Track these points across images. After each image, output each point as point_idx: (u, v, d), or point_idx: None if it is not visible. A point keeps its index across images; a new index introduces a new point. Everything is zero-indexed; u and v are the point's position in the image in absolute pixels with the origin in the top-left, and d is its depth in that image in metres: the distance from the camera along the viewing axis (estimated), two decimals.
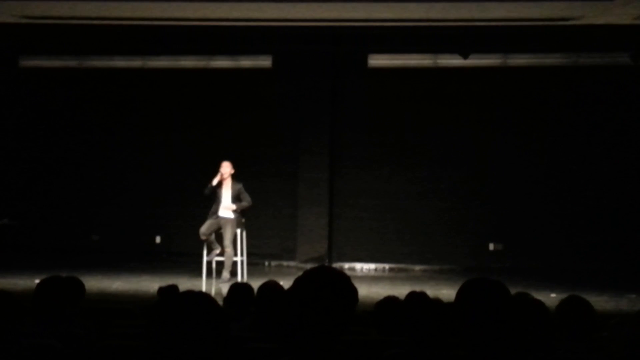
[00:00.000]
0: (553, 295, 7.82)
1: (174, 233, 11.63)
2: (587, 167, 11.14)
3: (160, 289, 4.73)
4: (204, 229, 9.32)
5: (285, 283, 4.39)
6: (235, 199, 9.37)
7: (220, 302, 4.75)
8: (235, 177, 9.45)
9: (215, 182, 9.31)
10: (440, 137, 11.45)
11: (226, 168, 9.36)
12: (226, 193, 9.38)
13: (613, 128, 11.14)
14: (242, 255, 9.53)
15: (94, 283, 8.21)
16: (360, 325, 4.70)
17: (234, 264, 9.38)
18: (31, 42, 10.56)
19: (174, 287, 4.66)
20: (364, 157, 11.61)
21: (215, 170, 9.39)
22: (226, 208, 9.32)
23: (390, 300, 4.35)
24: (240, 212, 9.43)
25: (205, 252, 9.46)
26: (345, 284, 2.06)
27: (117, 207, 11.82)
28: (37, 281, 4.11)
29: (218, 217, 9.35)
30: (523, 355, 2.73)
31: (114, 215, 11.80)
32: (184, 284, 8.47)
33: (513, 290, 2.57)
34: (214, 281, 9.37)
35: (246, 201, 9.39)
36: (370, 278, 10.59)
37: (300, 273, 2.12)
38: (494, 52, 11.04)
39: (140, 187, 11.80)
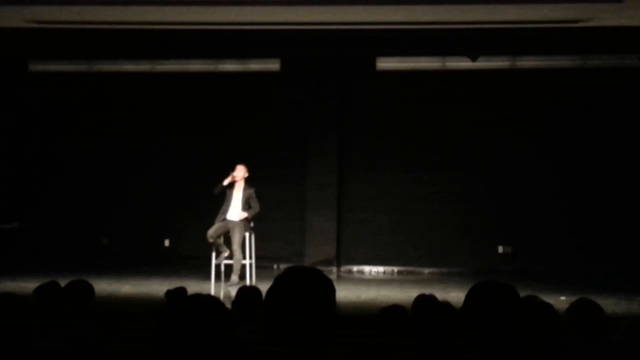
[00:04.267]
0: (563, 298, 7.78)
1: (182, 236, 11.65)
2: (597, 170, 11.09)
3: (168, 292, 4.73)
4: (211, 231, 9.33)
5: None
6: (245, 202, 9.38)
7: (229, 305, 4.75)
8: (248, 182, 9.47)
9: (225, 182, 9.34)
10: (448, 140, 11.43)
11: (239, 171, 9.40)
12: (237, 196, 9.41)
13: (623, 130, 11.09)
14: (250, 258, 9.53)
15: (104, 286, 8.22)
16: (370, 328, 4.69)
17: (243, 267, 9.38)
18: (40, 46, 10.61)
19: (181, 290, 4.66)
20: (372, 160, 11.60)
21: (227, 173, 9.42)
22: (237, 216, 9.33)
23: (395, 308, 4.35)
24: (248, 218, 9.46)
25: (213, 255, 9.48)
26: (319, 279, 2.04)
27: (126, 211, 11.85)
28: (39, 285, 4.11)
29: (226, 219, 9.37)
30: (533, 358, 2.72)
31: (123, 219, 11.83)
32: (193, 287, 8.47)
33: (522, 294, 2.56)
34: (222, 284, 9.38)
35: (254, 208, 9.40)
36: (379, 281, 10.58)
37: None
38: (503, 55, 11.01)
39: (148, 191, 11.83)
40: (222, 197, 9.43)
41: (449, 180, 11.41)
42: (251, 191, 9.41)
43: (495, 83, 11.33)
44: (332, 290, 2.05)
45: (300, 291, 2.00)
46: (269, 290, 2.05)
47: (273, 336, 1.99)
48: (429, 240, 11.41)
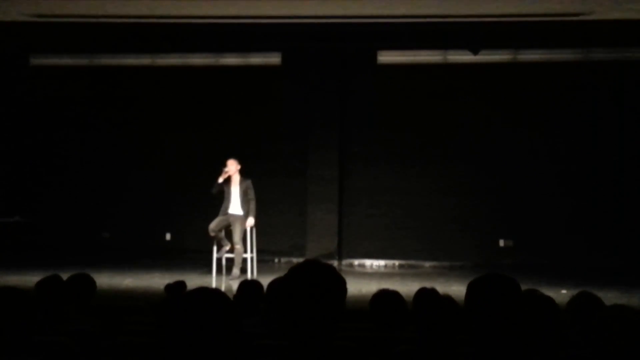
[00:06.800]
0: (564, 291, 7.79)
1: (184, 230, 11.66)
2: (598, 163, 11.09)
3: (168, 286, 4.73)
4: (213, 225, 9.35)
5: None
6: (244, 195, 9.40)
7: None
8: (243, 173, 9.48)
9: (221, 179, 9.35)
10: (449, 134, 11.42)
11: (231, 166, 9.39)
12: (235, 190, 9.42)
13: (625, 124, 11.08)
14: (251, 252, 9.54)
15: (105, 280, 8.23)
16: (370, 322, 4.69)
17: (244, 260, 9.40)
18: (42, 40, 10.59)
19: (181, 284, 4.66)
20: (373, 154, 11.60)
21: (222, 168, 9.42)
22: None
23: (385, 293, 4.31)
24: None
25: (215, 249, 9.49)
26: (333, 276, 2.04)
27: (127, 205, 11.86)
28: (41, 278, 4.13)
29: (228, 214, 9.38)
30: (533, 351, 2.73)
31: (125, 213, 11.85)
32: (194, 280, 8.49)
33: (523, 287, 2.56)
34: (223, 278, 9.39)
35: (252, 199, 9.41)
36: (380, 275, 10.59)
37: None
38: (504, 48, 10.97)
39: (150, 185, 11.84)
40: (222, 194, 9.44)
41: (450, 174, 11.41)
42: (248, 182, 9.43)
43: (497, 76, 11.31)
44: (344, 289, 2.04)
45: (313, 286, 2.00)
46: (282, 281, 2.05)
47: (275, 328, 2.00)
48: (430, 233, 11.41)
